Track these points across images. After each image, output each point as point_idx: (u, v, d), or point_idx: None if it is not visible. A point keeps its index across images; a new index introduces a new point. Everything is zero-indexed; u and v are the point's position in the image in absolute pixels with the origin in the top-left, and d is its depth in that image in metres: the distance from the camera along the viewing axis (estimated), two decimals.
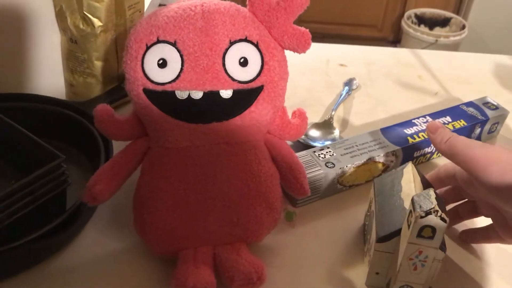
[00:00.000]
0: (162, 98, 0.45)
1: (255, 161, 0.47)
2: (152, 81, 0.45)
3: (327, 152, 0.56)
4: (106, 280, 0.46)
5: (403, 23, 2.14)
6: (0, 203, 0.43)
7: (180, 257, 0.45)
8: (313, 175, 0.53)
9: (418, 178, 0.46)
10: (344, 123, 0.69)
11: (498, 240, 0.48)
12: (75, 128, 0.56)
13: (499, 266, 0.50)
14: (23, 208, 0.45)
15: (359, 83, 0.77)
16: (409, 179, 0.47)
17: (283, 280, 0.47)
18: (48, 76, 0.67)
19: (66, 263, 0.47)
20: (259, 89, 0.46)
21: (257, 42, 0.45)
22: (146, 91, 0.45)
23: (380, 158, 0.57)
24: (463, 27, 2.09)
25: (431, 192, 0.40)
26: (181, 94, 0.45)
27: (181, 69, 0.44)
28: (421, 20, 2.19)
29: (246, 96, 0.46)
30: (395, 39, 2.30)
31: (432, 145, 0.51)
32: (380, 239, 0.44)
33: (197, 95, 0.45)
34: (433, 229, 0.39)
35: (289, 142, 0.52)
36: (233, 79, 0.45)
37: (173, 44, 0.44)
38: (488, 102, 0.67)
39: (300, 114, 0.51)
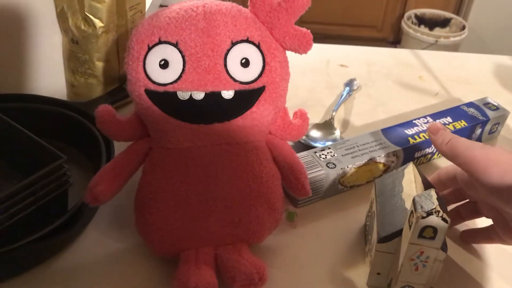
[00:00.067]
0: (164, 98, 0.45)
1: (257, 161, 0.47)
2: (153, 82, 0.45)
3: (328, 153, 0.56)
4: (107, 281, 0.46)
5: (403, 24, 2.14)
6: (1, 204, 0.43)
7: (181, 257, 0.45)
8: (314, 176, 0.53)
9: (419, 179, 0.47)
10: (345, 123, 0.69)
11: (499, 241, 0.48)
12: (76, 128, 0.57)
13: (500, 266, 0.50)
14: (25, 209, 0.45)
15: (360, 83, 0.77)
16: (410, 180, 0.47)
17: (284, 281, 0.47)
18: (49, 76, 0.67)
19: (67, 263, 0.47)
20: (261, 89, 0.46)
21: (259, 43, 0.45)
22: (148, 92, 0.45)
23: (381, 158, 0.57)
24: (463, 27, 2.09)
25: (432, 192, 0.40)
26: (183, 95, 0.45)
27: (183, 69, 0.44)
28: (421, 20, 2.19)
29: (247, 96, 0.46)
30: (395, 39, 2.30)
31: (432, 145, 0.51)
32: (381, 240, 0.44)
33: (199, 95, 0.45)
34: (434, 229, 0.39)
35: (290, 143, 0.52)
36: (234, 80, 0.45)
37: (175, 45, 0.44)
38: (488, 103, 0.67)
39: (301, 115, 0.51)
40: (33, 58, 0.64)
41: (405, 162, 0.59)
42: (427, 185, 0.46)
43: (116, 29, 0.63)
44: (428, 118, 0.63)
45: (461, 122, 0.63)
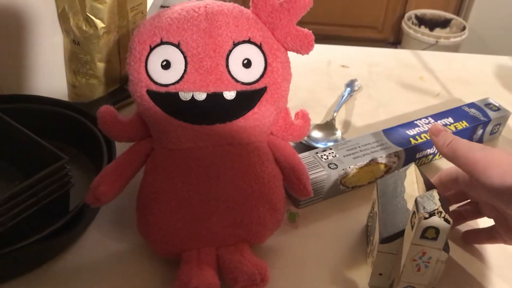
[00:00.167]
0: (166, 99, 0.45)
1: (259, 162, 0.47)
2: (155, 83, 0.45)
3: (329, 153, 0.56)
4: (109, 281, 0.46)
5: (403, 24, 2.15)
6: (3, 205, 0.43)
7: (183, 258, 0.45)
8: (315, 176, 0.53)
9: (421, 179, 0.46)
10: (346, 124, 0.69)
11: (501, 241, 0.48)
12: (77, 129, 0.57)
13: (502, 267, 0.50)
14: (27, 210, 0.45)
15: (361, 84, 0.77)
16: (412, 180, 0.47)
17: (286, 281, 0.47)
18: (50, 77, 0.67)
19: (69, 264, 0.47)
20: (262, 90, 0.46)
21: (261, 44, 0.45)
22: (150, 93, 0.45)
23: (382, 159, 0.57)
24: (464, 28, 2.09)
25: (434, 193, 0.40)
26: (185, 96, 0.45)
27: (185, 70, 0.44)
28: (421, 21, 2.19)
29: (249, 97, 0.46)
30: (396, 40, 2.30)
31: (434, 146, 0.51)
32: (384, 240, 0.44)
33: (201, 96, 0.45)
34: (436, 230, 0.39)
35: (291, 143, 0.52)
36: (236, 81, 0.45)
37: (177, 46, 0.44)
38: (490, 103, 0.67)
39: (303, 115, 0.51)
40: (34, 58, 0.64)
41: (406, 162, 0.59)
42: (429, 185, 0.46)
43: (118, 29, 0.63)
44: (430, 118, 0.63)
45: (463, 122, 0.63)
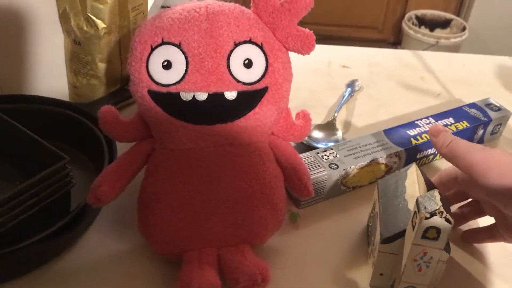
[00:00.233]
0: (167, 99, 0.45)
1: (260, 162, 0.47)
2: (156, 83, 0.45)
3: (330, 154, 0.56)
4: (110, 281, 0.46)
5: (403, 25, 2.15)
6: (4, 205, 0.43)
7: (184, 258, 0.45)
8: (316, 177, 0.53)
9: (422, 180, 0.46)
10: (347, 124, 0.69)
11: (501, 239, 0.48)
12: (78, 129, 0.57)
13: (502, 267, 0.50)
14: (28, 210, 0.45)
15: (362, 84, 0.77)
16: (413, 181, 0.47)
17: (287, 282, 0.47)
18: (51, 77, 0.67)
19: (70, 264, 0.47)
20: (264, 90, 0.46)
21: (262, 44, 0.45)
22: (151, 93, 0.45)
23: (383, 159, 0.57)
24: (464, 28, 2.09)
25: (435, 193, 0.40)
26: (186, 96, 0.45)
27: (186, 70, 0.44)
28: (421, 21, 2.19)
29: (250, 97, 0.46)
30: (396, 40, 2.30)
31: None
32: (385, 240, 0.44)
33: (202, 96, 0.45)
34: (437, 230, 0.39)
35: (292, 144, 0.52)
36: (237, 81, 0.45)
37: (178, 46, 0.44)
38: (490, 104, 0.67)
39: (304, 116, 0.51)
40: (35, 59, 0.64)
41: (407, 163, 0.59)
42: (430, 186, 0.46)
43: (118, 30, 0.63)
44: (430, 119, 0.63)
45: (463, 123, 0.63)
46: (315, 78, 0.79)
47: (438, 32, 2.17)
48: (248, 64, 0.45)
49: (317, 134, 0.65)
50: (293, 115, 0.51)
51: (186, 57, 0.44)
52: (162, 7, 1.05)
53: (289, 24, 0.46)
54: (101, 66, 0.63)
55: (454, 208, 0.52)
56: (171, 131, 0.45)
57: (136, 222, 0.47)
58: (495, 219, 0.48)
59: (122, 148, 0.50)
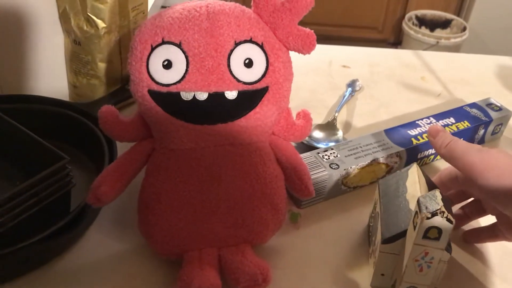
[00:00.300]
0: (167, 99, 0.45)
1: (260, 162, 0.46)
2: (157, 82, 0.45)
3: (331, 154, 0.56)
4: (110, 282, 0.46)
5: (404, 25, 2.14)
6: (4, 205, 0.43)
7: (185, 258, 0.45)
8: (317, 177, 0.53)
9: (423, 179, 0.46)
10: (347, 124, 0.69)
11: (503, 238, 0.48)
12: (78, 129, 0.56)
13: (504, 268, 0.50)
14: (28, 210, 0.45)
15: (362, 84, 0.77)
16: (414, 180, 0.47)
17: (288, 282, 0.47)
18: (51, 77, 0.67)
19: (70, 264, 0.47)
20: (264, 90, 0.46)
21: (262, 43, 0.45)
22: (151, 93, 0.45)
23: (384, 159, 0.57)
24: (464, 28, 2.09)
25: (437, 193, 0.40)
26: (186, 95, 0.45)
27: (186, 70, 0.44)
28: (422, 21, 2.19)
29: (251, 97, 0.46)
30: (396, 40, 2.30)
31: None
32: (386, 240, 0.43)
33: (202, 96, 0.45)
34: (439, 230, 0.39)
35: (292, 143, 0.52)
36: (238, 80, 0.45)
37: (178, 45, 0.44)
38: (491, 103, 0.67)
39: (305, 115, 0.51)
40: (35, 59, 0.64)
41: (408, 163, 0.58)
42: (431, 185, 0.46)
43: (119, 29, 0.63)
44: (431, 118, 0.63)
45: (464, 122, 0.63)
46: (316, 78, 0.79)
47: (438, 32, 2.17)
48: (249, 63, 0.45)
49: (317, 134, 0.65)
50: (294, 115, 0.51)
51: (186, 57, 0.44)
52: (163, 7, 1.05)
53: (289, 23, 0.46)
54: (101, 66, 0.63)
55: (455, 208, 0.52)
56: (171, 131, 0.45)
57: (136, 222, 0.47)
58: (496, 218, 0.48)
59: (122, 148, 0.49)
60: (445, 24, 2.19)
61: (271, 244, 0.49)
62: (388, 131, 0.60)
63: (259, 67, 0.45)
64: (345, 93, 0.74)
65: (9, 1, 0.59)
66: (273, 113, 0.47)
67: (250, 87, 0.45)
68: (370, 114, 0.71)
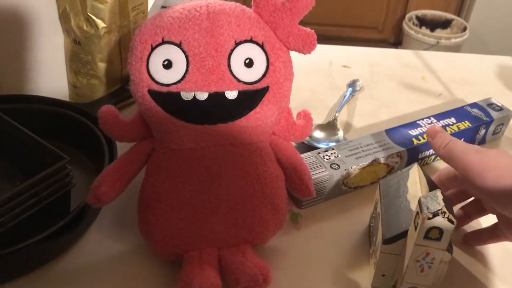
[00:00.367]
0: (167, 99, 0.45)
1: (260, 162, 0.46)
2: (157, 82, 0.44)
3: (331, 154, 0.56)
4: (110, 282, 0.46)
5: (404, 25, 2.14)
6: (4, 205, 0.43)
7: (185, 258, 0.45)
8: (318, 177, 0.53)
9: (424, 180, 0.46)
10: (348, 124, 0.69)
11: (504, 238, 0.48)
12: (78, 129, 0.56)
13: (505, 268, 0.50)
14: (28, 210, 0.45)
15: (363, 84, 0.77)
16: (415, 181, 0.46)
17: (288, 282, 0.47)
18: (51, 77, 0.67)
19: (70, 264, 0.47)
20: (264, 90, 0.46)
21: (263, 43, 0.45)
22: (151, 92, 0.45)
23: (384, 159, 0.56)
24: (465, 28, 2.09)
25: (438, 193, 0.40)
26: (186, 95, 0.44)
27: (186, 70, 0.44)
28: (422, 22, 2.19)
29: (251, 97, 0.45)
30: (396, 40, 2.30)
31: None
32: (387, 241, 0.43)
33: (202, 96, 0.44)
34: (440, 230, 0.39)
35: (293, 144, 0.51)
36: (238, 80, 0.45)
37: (178, 45, 0.44)
38: (492, 103, 0.66)
39: (305, 115, 0.51)
40: (35, 59, 0.64)
41: (409, 163, 0.58)
42: (432, 186, 0.46)
43: (119, 29, 0.63)
44: (432, 118, 0.63)
45: (465, 122, 0.63)
46: (316, 78, 0.78)
47: (438, 32, 2.16)
48: (249, 63, 0.45)
49: (318, 134, 0.65)
50: (294, 115, 0.51)
51: (186, 57, 0.44)
52: (163, 7, 1.05)
53: (290, 23, 0.46)
54: (101, 66, 0.63)
55: (455, 208, 0.52)
56: (171, 130, 0.45)
57: (136, 222, 0.47)
58: (497, 218, 0.48)
59: (122, 148, 0.49)
60: (445, 24, 2.18)
61: (271, 244, 0.49)
62: (388, 131, 0.60)
63: (259, 67, 0.45)
64: (346, 93, 0.74)
65: (9, 1, 0.59)
66: (274, 113, 0.47)
67: (250, 87, 0.45)
68: (370, 114, 0.71)
